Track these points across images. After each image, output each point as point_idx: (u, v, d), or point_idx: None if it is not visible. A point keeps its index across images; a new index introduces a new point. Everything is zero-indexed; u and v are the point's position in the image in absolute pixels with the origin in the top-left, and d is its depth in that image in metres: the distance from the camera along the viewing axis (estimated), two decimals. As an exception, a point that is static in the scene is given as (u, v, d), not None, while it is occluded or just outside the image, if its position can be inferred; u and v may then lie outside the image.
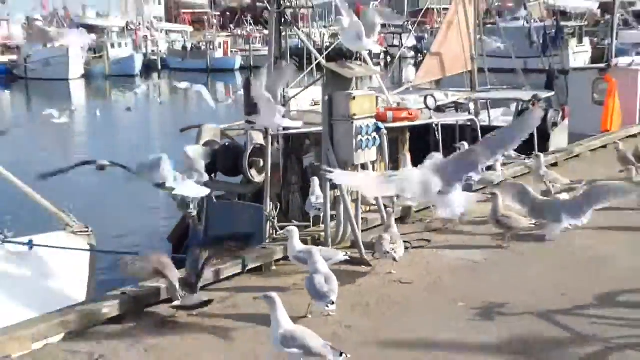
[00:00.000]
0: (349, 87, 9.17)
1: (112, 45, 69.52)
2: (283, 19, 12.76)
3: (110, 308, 7.27)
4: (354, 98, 9.06)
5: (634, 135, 17.35)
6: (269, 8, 12.20)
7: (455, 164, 7.06)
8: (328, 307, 6.99)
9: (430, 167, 7.13)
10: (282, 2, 12.56)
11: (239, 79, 64.77)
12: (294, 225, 9.98)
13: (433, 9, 51.54)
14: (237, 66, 69.74)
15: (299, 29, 14.73)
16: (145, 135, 31.44)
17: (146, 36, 76.44)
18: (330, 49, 16.34)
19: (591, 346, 6.51)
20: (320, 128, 11.27)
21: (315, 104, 14.23)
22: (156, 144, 30.65)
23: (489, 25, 23.53)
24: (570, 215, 9.66)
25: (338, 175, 7.79)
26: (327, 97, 9.25)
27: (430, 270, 8.49)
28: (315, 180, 9.80)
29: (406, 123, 14.30)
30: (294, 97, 13.15)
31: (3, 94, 55.06)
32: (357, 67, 9.92)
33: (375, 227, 10.10)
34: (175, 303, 7.39)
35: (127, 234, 15.45)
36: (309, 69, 15.00)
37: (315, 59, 14.87)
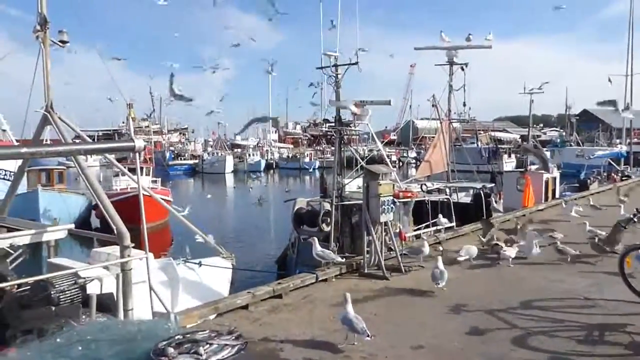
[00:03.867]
0: (378, 179, 9.09)
1: (249, 155, 70.90)
2: (343, 141, 12.78)
3: (241, 300, 7.22)
4: (380, 185, 8.99)
5: (541, 209, 16.76)
6: (335, 135, 12.29)
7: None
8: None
9: None
10: (342, 132, 12.60)
11: (317, 174, 65.31)
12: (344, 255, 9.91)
13: (425, 137, 51.89)
14: (317, 166, 70.25)
15: (350, 146, 14.72)
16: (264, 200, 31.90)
17: (267, 150, 77.75)
18: (367, 158, 16.24)
19: (516, 332, 6.19)
20: (360, 201, 11.24)
21: (358, 188, 14.11)
22: (269, 206, 31.06)
23: (457, 146, 23.30)
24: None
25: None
26: (365, 184, 9.21)
27: (424, 282, 8.19)
28: (315, 240, 9.40)
29: (409, 199, 14.13)
30: (347, 183, 13.08)
31: (190, 180, 56.70)
32: (383, 168, 9.88)
33: (392, 257, 9.64)
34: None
35: (253, 258, 15.49)
36: (356, 168, 14.92)
37: (359, 163, 14.81)
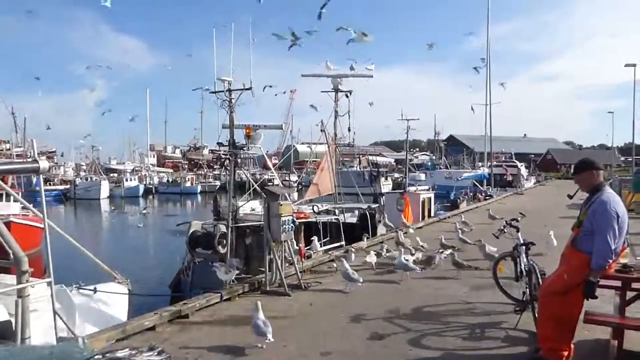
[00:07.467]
0: (278, 199, 9.50)
1: (126, 179, 67.64)
2: (236, 164, 12.99)
3: (149, 321, 7.20)
4: (281, 205, 9.42)
5: (420, 227, 18.15)
6: (230, 158, 12.48)
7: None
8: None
9: None
10: (237, 156, 12.83)
11: (199, 198, 64.33)
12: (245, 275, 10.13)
13: (306, 161, 53.70)
14: (199, 191, 69.06)
15: (242, 169, 14.90)
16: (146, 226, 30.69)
17: (146, 174, 75.00)
18: (260, 181, 16.47)
19: (411, 334, 6.86)
20: (254, 223, 11.62)
21: (252, 210, 14.40)
22: (152, 231, 30.08)
23: (338, 169, 24.35)
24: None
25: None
26: (266, 205, 9.57)
27: (324, 296, 8.69)
28: (218, 266, 9.75)
29: (303, 220, 14.70)
30: (241, 206, 13.33)
31: (60, 207, 52.80)
32: (284, 189, 10.33)
33: (291, 275, 10.06)
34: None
35: (147, 283, 15.15)
36: (249, 191, 15.21)
37: (252, 186, 15.08)
